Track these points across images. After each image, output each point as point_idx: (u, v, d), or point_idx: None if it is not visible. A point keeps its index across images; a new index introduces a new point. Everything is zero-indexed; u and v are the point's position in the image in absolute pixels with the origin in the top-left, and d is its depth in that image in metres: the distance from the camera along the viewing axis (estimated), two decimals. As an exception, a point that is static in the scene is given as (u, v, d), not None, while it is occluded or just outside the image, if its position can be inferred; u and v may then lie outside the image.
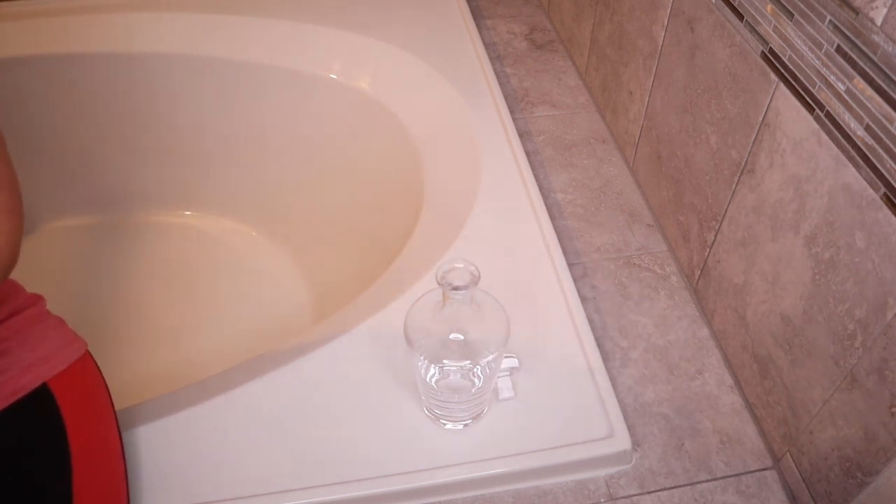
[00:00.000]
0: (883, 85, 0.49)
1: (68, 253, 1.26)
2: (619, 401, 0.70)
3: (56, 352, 0.58)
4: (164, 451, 0.63)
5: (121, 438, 0.61)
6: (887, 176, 0.50)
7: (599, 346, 0.73)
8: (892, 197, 0.49)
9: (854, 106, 0.52)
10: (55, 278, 1.19)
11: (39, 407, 0.55)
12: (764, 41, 0.63)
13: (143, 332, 1.14)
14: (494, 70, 1.06)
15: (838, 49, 0.53)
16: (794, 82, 0.59)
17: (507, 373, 0.68)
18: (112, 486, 0.58)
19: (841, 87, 0.53)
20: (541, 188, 0.91)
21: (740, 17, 0.66)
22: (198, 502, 0.60)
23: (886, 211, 0.50)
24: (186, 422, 0.65)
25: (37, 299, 0.61)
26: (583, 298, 0.80)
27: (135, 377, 1.02)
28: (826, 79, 0.55)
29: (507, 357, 0.69)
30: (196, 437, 0.64)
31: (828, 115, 0.55)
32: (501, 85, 1.05)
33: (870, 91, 0.50)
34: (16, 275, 0.60)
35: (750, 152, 0.67)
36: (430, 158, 0.95)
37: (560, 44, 1.20)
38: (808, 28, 0.56)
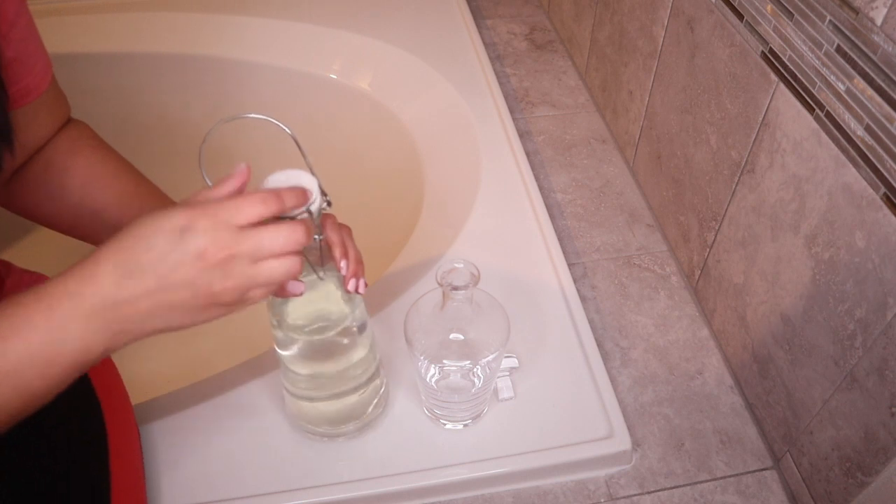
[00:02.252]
0: (883, 85, 0.49)
1: (69, 253, 1.25)
2: (619, 401, 0.70)
3: None
4: (162, 451, 0.63)
5: (138, 431, 0.61)
6: (887, 176, 0.50)
7: (599, 346, 0.73)
8: (892, 197, 0.49)
9: (854, 106, 0.52)
10: (55, 278, 1.19)
11: (77, 383, 0.55)
12: (764, 41, 0.63)
13: (143, 332, 1.14)
14: (494, 70, 1.06)
15: (838, 49, 0.53)
16: (794, 82, 0.59)
17: (507, 373, 0.68)
18: (136, 477, 0.58)
19: (841, 87, 0.53)
20: (541, 188, 0.91)
21: (740, 17, 0.66)
22: (198, 502, 0.60)
23: (886, 211, 0.50)
24: (186, 421, 0.65)
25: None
26: (583, 298, 0.80)
27: (134, 377, 1.01)
28: (826, 79, 0.55)
29: (507, 357, 0.69)
30: (196, 436, 0.64)
31: (828, 115, 0.55)
32: (501, 85, 1.05)
33: (870, 91, 0.50)
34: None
35: (750, 152, 0.67)
36: (430, 158, 0.95)
37: (560, 44, 1.20)
38: (808, 28, 0.56)
